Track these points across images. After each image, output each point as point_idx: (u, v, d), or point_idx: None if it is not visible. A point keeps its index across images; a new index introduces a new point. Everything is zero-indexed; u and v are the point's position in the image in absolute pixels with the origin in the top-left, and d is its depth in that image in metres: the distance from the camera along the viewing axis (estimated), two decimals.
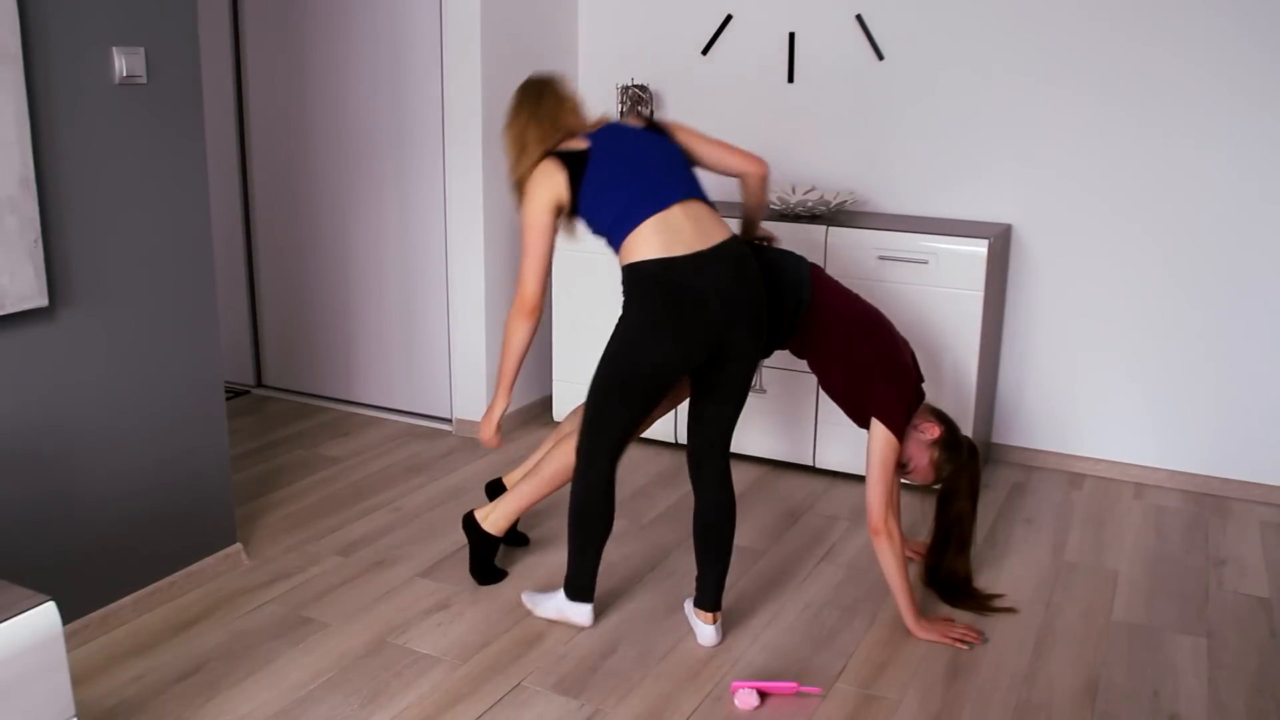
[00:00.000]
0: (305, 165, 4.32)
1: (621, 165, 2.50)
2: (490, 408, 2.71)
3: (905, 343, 2.78)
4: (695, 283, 2.42)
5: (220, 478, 2.96)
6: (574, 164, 2.51)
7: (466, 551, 3.14)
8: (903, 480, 3.08)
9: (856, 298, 2.79)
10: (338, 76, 4.16)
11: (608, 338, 3.87)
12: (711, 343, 2.47)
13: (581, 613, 2.70)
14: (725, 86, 4.14)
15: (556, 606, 2.73)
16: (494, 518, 2.91)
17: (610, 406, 2.53)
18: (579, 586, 2.68)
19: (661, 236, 2.43)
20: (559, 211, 2.54)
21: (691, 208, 2.49)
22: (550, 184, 2.51)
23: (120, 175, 2.57)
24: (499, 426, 2.72)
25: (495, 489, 3.23)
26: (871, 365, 2.67)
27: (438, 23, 3.89)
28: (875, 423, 2.66)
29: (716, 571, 2.63)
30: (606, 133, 2.56)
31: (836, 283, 2.80)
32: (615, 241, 2.50)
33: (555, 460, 2.86)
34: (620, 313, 2.47)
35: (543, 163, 2.53)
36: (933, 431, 2.72)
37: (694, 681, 2.51)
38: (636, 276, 2.45)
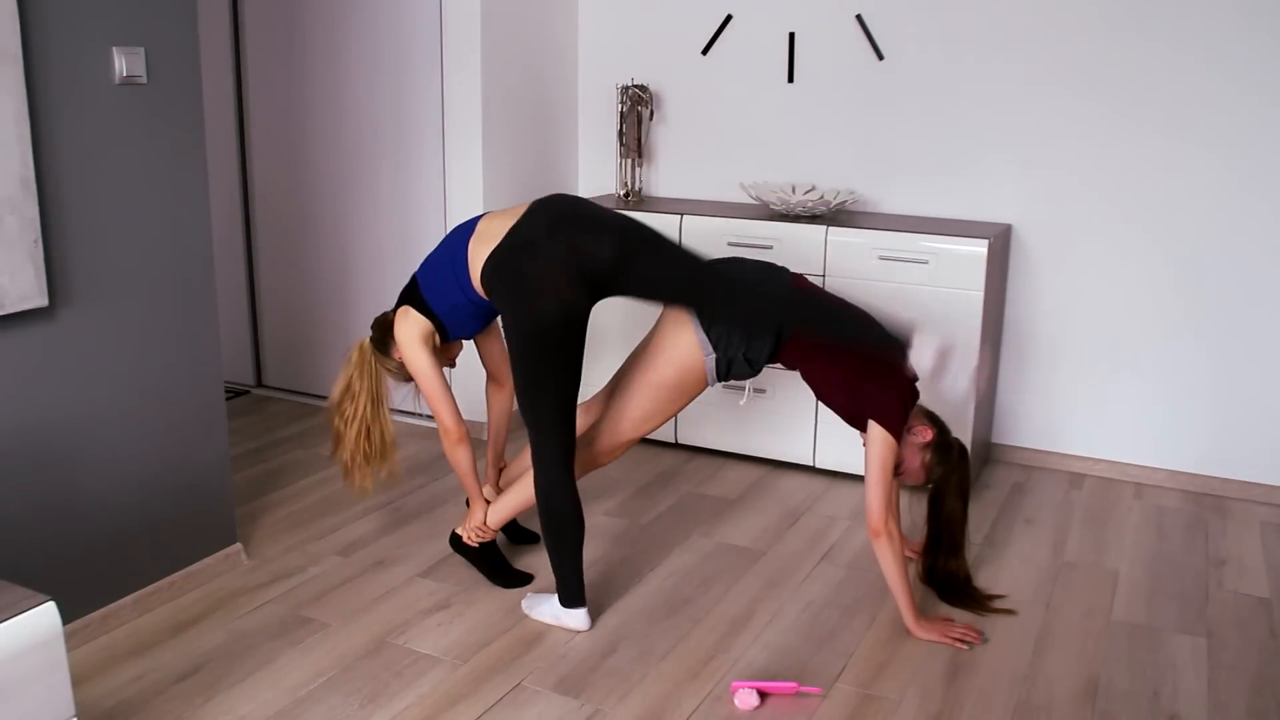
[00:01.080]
0: (305, 165, 4.32)
1: (439, 257, 2.73)
2: (471, 513, 2.93)
3: None
4: (519, 242, 2.55)
5: (220, 478, 2.96)
6: (409, 292, 2.77)
7: None
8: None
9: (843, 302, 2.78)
10: (338, 76, 4.16)
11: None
12: (571, 265, 2.50)
13: (576, 617, 2.70)
14: (725, 86, 4.14)
15: (553, 612, 2.73)
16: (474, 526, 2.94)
17: (534, 398, 2.57)
18: (569, 593, 2.69)
19: (483, 244, 2.62)
20: (432, 344, 2.78)
21: (498, 215, 2.69)
22: (410, 323, 2.76)
23: (120, 175, 2.57)
24: (486, 519, 2.92)
25: None
26: (865, 369, 2.67)
27: (438, 23, 3.89)
28: (874, 425, 2.66)
29: None
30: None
31: (820, 289, 2.80)
32: (468, 285, 2.66)
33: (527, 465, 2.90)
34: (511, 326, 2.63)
35: (398, 313, 2.78)
36: (926, 434, 2.72)
37: (694, 681, 2.51)
38: (486, 276, 2.59)
